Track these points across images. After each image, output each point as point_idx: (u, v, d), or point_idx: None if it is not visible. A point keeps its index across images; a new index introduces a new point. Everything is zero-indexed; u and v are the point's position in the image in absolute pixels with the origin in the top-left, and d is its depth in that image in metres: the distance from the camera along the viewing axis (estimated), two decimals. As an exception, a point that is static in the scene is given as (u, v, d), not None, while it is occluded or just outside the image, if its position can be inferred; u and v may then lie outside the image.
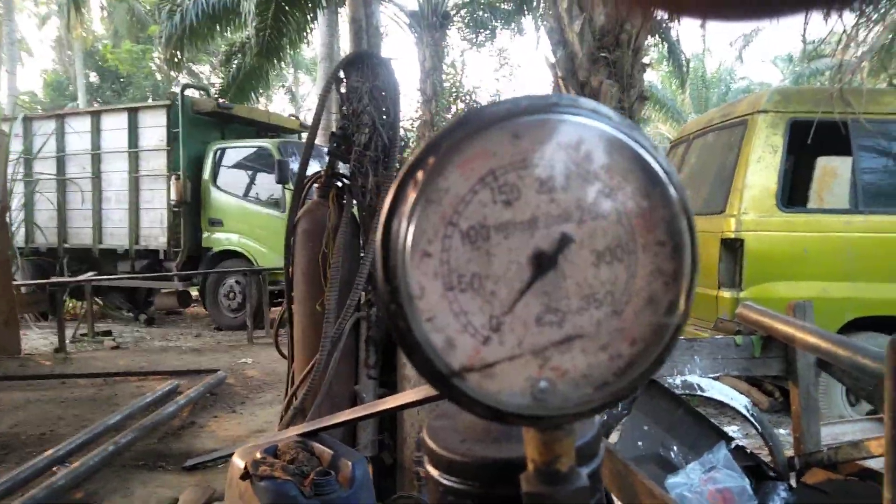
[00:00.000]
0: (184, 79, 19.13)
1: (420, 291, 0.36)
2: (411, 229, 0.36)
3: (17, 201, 9.60)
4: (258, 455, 1.88)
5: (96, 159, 9.43)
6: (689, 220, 0.37)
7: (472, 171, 0.36)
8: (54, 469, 3.25)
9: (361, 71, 2.95)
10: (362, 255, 2.90)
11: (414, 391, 1.97)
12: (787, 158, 4.47)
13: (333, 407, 2.73)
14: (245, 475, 1.82)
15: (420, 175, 0.36)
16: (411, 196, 0.36)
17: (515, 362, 0.38)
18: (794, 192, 5.47)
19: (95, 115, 9.59)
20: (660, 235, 0.38)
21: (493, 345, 0.38)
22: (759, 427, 2.52)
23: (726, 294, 4.33)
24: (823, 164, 5.51)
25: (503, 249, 0.37)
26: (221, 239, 8.96)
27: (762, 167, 4.34)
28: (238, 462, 1.87)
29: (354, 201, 2.95)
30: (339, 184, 2.99)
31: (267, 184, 8.82)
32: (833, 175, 5.52)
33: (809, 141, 4.35)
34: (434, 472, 0.49)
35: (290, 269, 3.05)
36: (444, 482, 0.48)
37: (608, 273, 0.38)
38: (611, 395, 0.38)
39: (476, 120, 0.36)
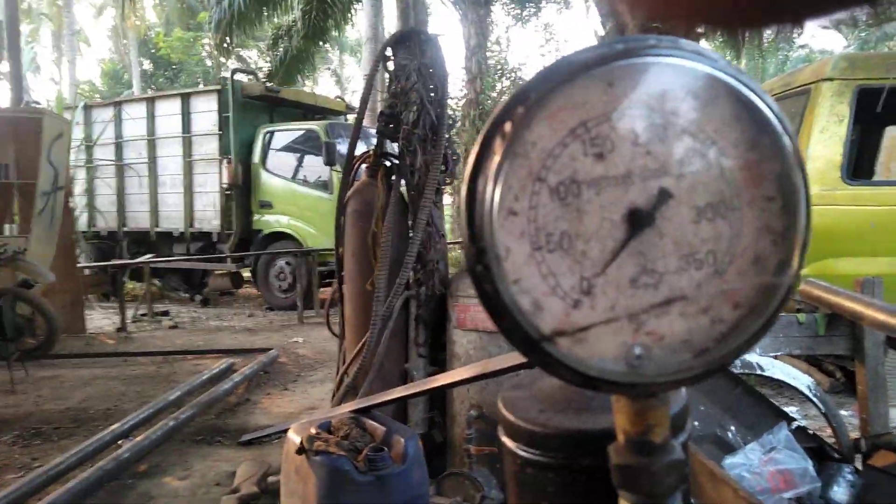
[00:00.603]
0: (233, 64, 19.47)
1: (506, 252, 0.34)
2: (498, 186, 0.33)
3: (79, 187, 10.00)
4: (313, 431, 1.91)
5: (152, 144, 9.70)
6: (803, 173, 0.34)
7: (562, 123, 0.34)
8: (120, 442, 3.39)
9: (409, 48, 2.92)
10: (411, 234, 2.90)
11: (464, 369, 1.96)
12: (854, 128, 4.25)
13: (384, 384, 2.76)
14: (301, 450, 1.86)
15: (508, 128, 0.33)
16: (498, 151, 0.33)
17: (609, 326, 0.36)
18: (860, 163, 5.20)
19: (150, 102, 9.86)
20: (768, 190, 0.35)
21: (583, 308, 0.35)
22: (822, 407, 2.43)
23: (786, 271, 4.17)
24: (892, 133, 5.22)
25: (595, 206, 0.35)
26: (271, 221, 9.13)
27: (826, 138, 4.13)
28: (294, 437, 1.91)
29: (403, 180, 2.95)
30: (388, 163, 2.99)
31: (315, 166, 8.93)
32: (902, 146, 5.22)
33: (878, 110, 4.12)
34: (511, 443, 0.47)
35: (340, 249, 3.08)
36: (523, 454, 0.46)
37: (710, 231, 0.35)
38: (711, 362, 0.35)
39: (566, 67, 0.33)
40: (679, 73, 0.33)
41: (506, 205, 0.34)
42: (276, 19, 12.31)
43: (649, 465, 0.37)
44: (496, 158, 0.33)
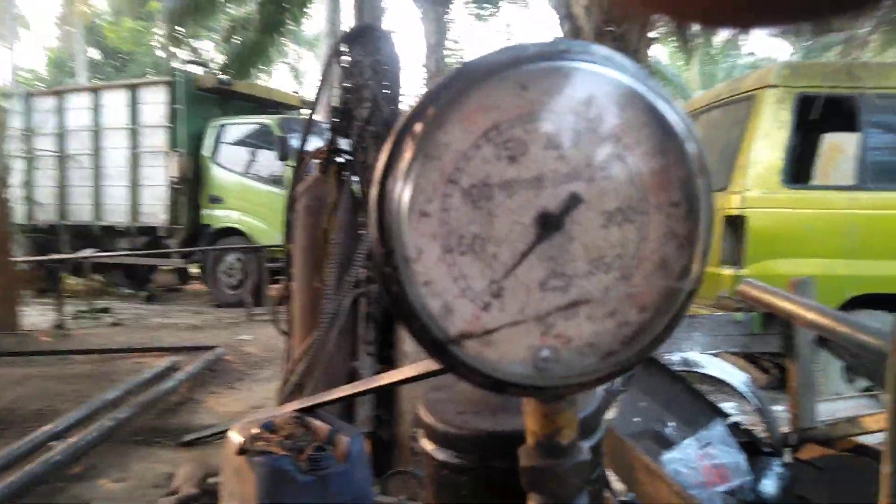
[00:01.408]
0: (185, 55, 18.94)
1: (416, 254, 0.34)
2: (408, 187, 0.33)
3: (17, 178, 9.57)
4: (255, 430, 1.88)
5: (96, 136, 9.38)
6: (706, 180, 0.35)
7: (475, 125, 0.34)
8: (51, 444, 3.26)
9: (363, 44, 2.90)
10: (362, 231, 2.88)
11: (412, 367, 1.96)
12: (795, 135, 4.42)
13: (331, 383, 2.73)
14: (241, 450, 1.82)
15: (418, 128, 0.33)
16: (409, 151, 0.33)
17: (517, 329, 0.36)
18: (799, 168, 5.42)
19: (96, 92, 9.54)
20: (674, 196, 0.35)
21: (493, 311, 0.35)
22: (755, 403, 2.52)
23: (727, 271, 4.31)
24: (829, 140, 5.46)
25: (506, 209, 0.35)
26: (221, 216, 8.93)
27: (768, 143, 4.29)
28: (234, 437, 1.87)
29: (355, 177, 2.92)
30: (340, 160, 2.95)
31: (268, 161, 8.77)
32: (839, 151, 5.47)
33: (817, 117, 4.30)
34: (429, 445, 0.47)
35: (290, 246, 3.04)
36: (439, 456, 0.46)
37: (618, 235, 0.36)
38: (617, 364, 0.36)
39: (479, 68, 0.33)
40: (590, 78, 0.34)
41: (417, 206, 0.34)
42: (231, 10, 12.04)
43: (555, 467, 0.38)
44: (406, 158, 0.33)
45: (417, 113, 0.34)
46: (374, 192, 0.34)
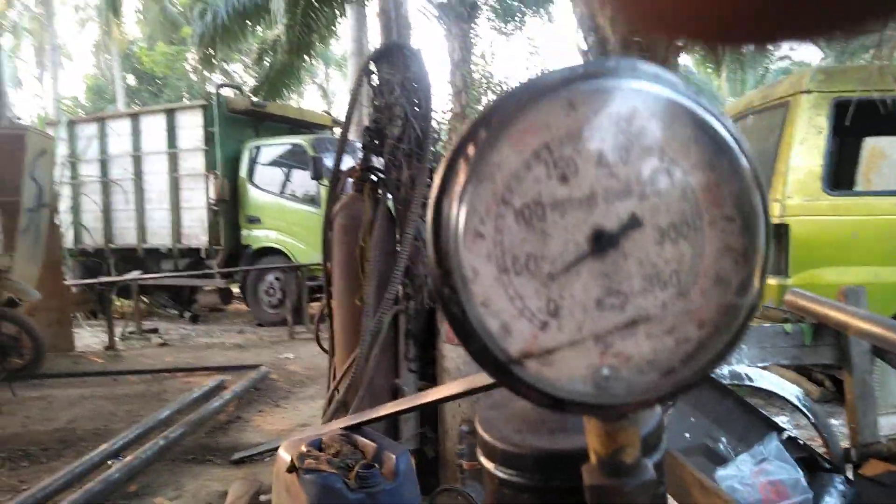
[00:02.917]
0: (217, 78, 19.46)
1: (473, 274, 0.35)
2: (463, 209, 0.34)
3: (64, 203, 9.93)
4: (303, 448, 1.91)
5: (137, 160, 9.66)
6: (761, 193, 0.35)
7: (526, 145, 0.34)
8: (109, 462, 3.35)
9: (392, 63, 2.94)
10: (398, 248, 2.90)
11: (455, 383, 1.96)
12: (832, 140, 4.31)
13: (375, 400, 2.75)
14: (291, 468, 1.85)
15: (471, 150, 0.34)
16: (462, 173, 0.34)
17: (576, 348, 0.36)
18: (840, 174, 5.28)
19: (134, 117, 9.83)
20: (728, 210, 0.35)
21: (551, 330, 0.36)
22: (811, 417, 2.44)
23: (772, 281, 4.20)
24: (871, 144, 5.30)
25: (560, 228, 0.35)
26: (260, 236, 9.10)
27: (806, 149, 4.19)
28: (284, 455, 1.90)
29: (389, 195, 2.95)
30: (374, 178, 2.99)
31: (302, 180, 8.92)
32: (881, 156, 5.31)
33: (855, 121, 4.19)
34: (489, 464, 0.48)
35: (329, 265, 3.08)
36: (500, 475, 0.46)
37: (673, 251, 0.36)
38: (679, 382, 0.36)
39: (529, 90, 0.34)
40: (639, 96, 0.34)
41: (472, 227, 0.35)
42: (260, 33, 12.35)
43: (621, 486, 0.38)
44: (461, 181, 0.34)
45: (470, 136, 0.34)
46: (429, 215, 0.35)
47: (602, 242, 0.36)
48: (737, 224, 0.35)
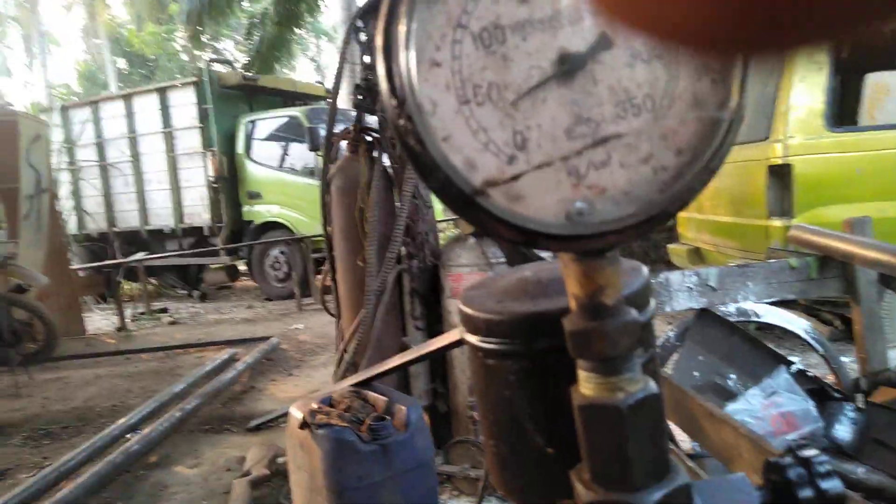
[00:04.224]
0: (208, 56, 19.19)
1: (431, 106, 0.32)
2: (414, 30, 0.31)
3: (64, 189, 9.91)
4: (314, 405, 1.93)
5: (133, 142, 9.59)
6: None
7: None
8: (128, 436, 3.41)
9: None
10: (397, 207, 2.89)
11: (460, 330, 1.98)
12: (834, 76, 4.24)
13: (384, 359, 2.75)
14: (303, 425, 1.87)
15: None
16: None
17: (546, 178, 0.34)
18: (842, 111, 5.20)
19: (127, 99, 9.72)
20: None
21: (518, 163, 0.34)
22: (820, 349, 2.45)
23: (777, 223, 4.19)
24: (873, 79, 5.21)
25: (522, 53, 0.33)
26: (262, 211, 9.09)
27: (806, 87, 4.13)
28: (296, 413, 1.92)
29: (385, 154, 2.93)
30: (368, 138, 2.96)
31: (300, 153, 8.86)
32: (885, 91, 5.22)
33: (857, 56, 4.11)
34: (472, 337, 0.47)
35: (329, 228, 3.07)
36: (483, 346, 0.45)
37: (646, 74, 0.34)
38: (656, 212, 0.34)
39: None
40: None
41: (426, 55, 0.32)
42: (248, 7, 12.14)
43: (602, 328, 0.36)
44: (407, 1, 0.32)
45: None
46: (378, 41, 0.33)
47: (569, 66, 0.33)
48: None
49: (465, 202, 0.34)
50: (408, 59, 0.32)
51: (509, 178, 0.34)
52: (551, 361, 0.42)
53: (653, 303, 0.44)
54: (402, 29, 0.32)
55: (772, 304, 2.52)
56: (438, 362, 3.00)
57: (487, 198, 0.33)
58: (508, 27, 0.33)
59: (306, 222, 8.64)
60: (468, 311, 0.46)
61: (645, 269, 0.46)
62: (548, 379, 0.43)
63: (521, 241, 0.35)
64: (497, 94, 0.33)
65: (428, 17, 0.32)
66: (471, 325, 0.46)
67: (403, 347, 3.01)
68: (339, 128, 3.05)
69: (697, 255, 5.37)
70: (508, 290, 0.48)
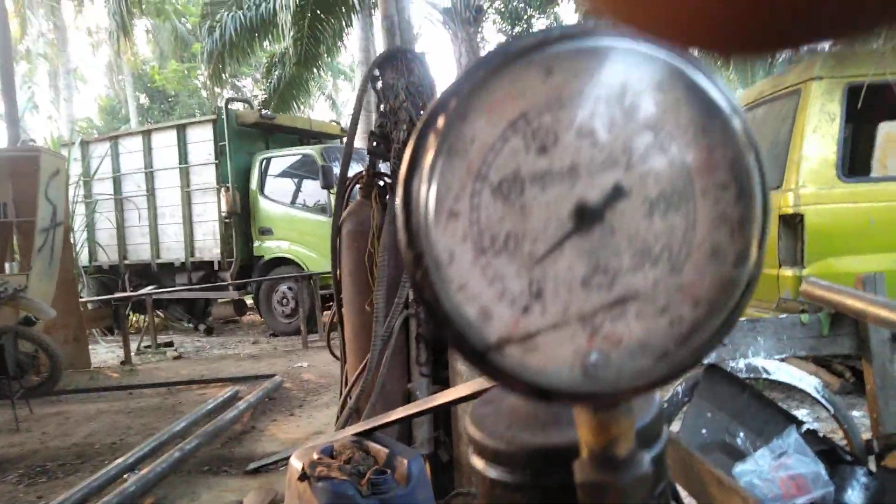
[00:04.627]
0: (228, 94, 19.63)
1: (448, 257, 0.32)
2: (434, 186, 0.32)
3: (79, 222, 10.04)
4: (315, 456, 1.89)
5: (150, 177, 9.74)
6: (757, 157, 0.32)
7: (501, 115, 0.32)
8: (125, 476, 3.36)
9: (396, 67, 2.93)
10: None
11: (466, 385, 1.94)
12: (846, 126, 4.24)
13: (387, 406, 2.73)
14: (303, 476, 1.83)
15: (441, 122, 0.31)
16: (432, 148, 0.31)
17: (561, 331, 0.33)
18: (855, 161, 5.20)
19: (146, 135, 9.91)
20: (721, 177, 0.33)
21: (534, 314, 0.33)
22: (831, 408, 2.38)
23: (788, 272, 4.14)
24: (886, 129, 5.21)
25: (541, 204, 0.33)
26: (272, 247, 9.14)
27: (819, 137, 4.13)
28: (296, 464, 1.88)
29: (397, 199, 2.94)
30: (381, 183, 2.98)
31: (313, 190, 8.96)
32: (897, 141, 5.22)
33: (869, 106, 4.12)
34: (479, 463, 0.45)
35: (338, 271, 3.07)
36: (491, 474, 0.44)
37: (663, 224, 0.34)
38: (673, 365, 0.33)
39: (501, 55, 0.31)
40: (621, 55, 0.31)
41: (445, 206, 0.32)
42: (268, 46, 12.44)
43: (615, 482, 0.35)
44: (430, 156, 0.32)
45: (439, 107, 0.32)
46: (398, 194, 0.33)
47: (586, 217, 0.33)
48: (731, 192, 0.33)
49: (479, 357, 0.33)
50: (426, 213, 0.32)
51: (523, 337, 0.33)
52: (561, 496, 0.41)
53: (665, 431, 0.42)
54: (423, 182, 0.32)
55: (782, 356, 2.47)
56: (442, 410, 2.95)
57: (501, 354, 0.33)
58: (527, 178, 0.33)
59: (315, 259, 8.67)
60: (476, 434, 0.45)
61: (657, 397, 0.44)
62: None
63: (535, 396, 0.34)
64: (514, 244, 0.34)
65: (448, 170, 0.32)
66: (477, 448, 0.45)
67: (408, 394, 2.96)
68: (353, 168, 3.08)
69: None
70: (519, 413, 0.47)
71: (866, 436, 2.33)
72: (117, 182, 10.03)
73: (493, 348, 0.33)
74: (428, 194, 0.32)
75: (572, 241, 0.34)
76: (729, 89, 0.32)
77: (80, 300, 7.93)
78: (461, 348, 0.33)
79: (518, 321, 0.33)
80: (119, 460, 3.53)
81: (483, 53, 0.32)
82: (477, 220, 0.33)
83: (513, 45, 0.31)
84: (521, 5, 15.48)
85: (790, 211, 4.14)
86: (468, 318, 0.33)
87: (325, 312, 8.36)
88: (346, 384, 2.99)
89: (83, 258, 10.12)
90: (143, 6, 14.06)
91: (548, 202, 0.33)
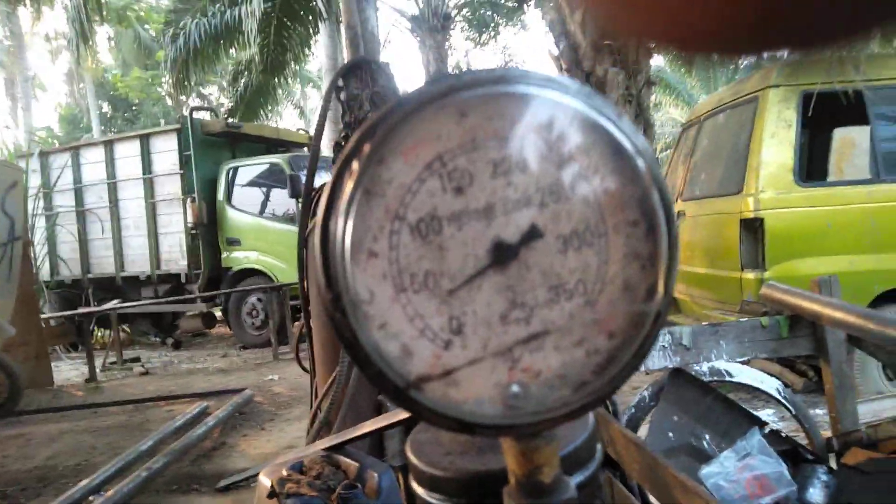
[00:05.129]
0: (193, 102, 19.35)
1: (369, 296, 0.33)
2: (349, 226, 0.32)
3: (39, 235, 9.77)
4: (284, 472, 1.87)
5: (112, 188, 9.55)
6: (662, 195, 0.33)
7: (418, 158, 0.33)
8: (91, 499, 3.27)
9: (360, 78, 2.93)
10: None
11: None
12: (803, 132, 4.37)
13: (358, 418, 2.71)
14: (272, 494, 1.81)
15: (356, 165, 0.32)
16: (348, 189, 0.32)
17: (482, 365, 0.34)
18: (812, 166, 5.34)
19: (108, 145, 9.71)
20: (631, 215, 0.34)
21: (454, 349, 0.34)
22: (792, 409, 2.44)
23: (750, 275, 4.24)
24: (840, 135, 5.38)
25: (458, 242, 0.34)
26: (240, 258, 9.02)
27: (777, 143, 4.25)
28: (265, 481, 1.86)
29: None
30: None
31: (281, 200, 8.88)
32: (851, 146, 5.38)
33: (825, 113, 4.25)
34: (419, 489, 0.46)
35: (305, 283, 3.04)
36: (428, 499, 0.45)
37: (577, 260, 0.35)
38: (591, 395, 0.35)
39: (414, 99, 0.32)
40: (530, 102, 0.33)
41: (364, 246, 0.33)
42: (234, 54, 12.31)
43: None
44: (345, 197, 0.32)
45: (354, 149, 0.33)
46: (316, 234, 0.33)
47: (502, 255, 0.34)
48: (641, 228, 0.34)
49: (400, 395, 0.34)
50: (343, 254, 0.32)
51: (443, 373, 0.34)
52: None
53: (599, 451, 0.43)
54: (339, 223, 0.33)
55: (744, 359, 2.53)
56: (414, 421, 2.95)
57: (421, 391, 0.34)
58: (445, 218, 0.34)
59: (285, 269, 8.58)
60: (414, 461, 0.46)
61: (590, 421, 0.45)
62: None
63: (458, 430, 0.35)
64: (433, 281, 0.34)
65: (367, 211, 0.33)
66: (417, 475, 0.46)
67: (379, 406, 2.95)
68: (320, 178, 3.06)
69: (674, 306, 5.40)
70: (457, 439, 0.48)
71: (827, 434, 2.39)
72: (79, 194, 9.80)
73: (413, 385, 0.34)
74: (345, 235, 0.32)
75: (490, 278, 0.35)
76: (634, 131, 0.33)
77: (42, 316, 7.72)
78: (382, 386, 0.34)
79: (440, 357, 0.34)
80: (84, 482, 3.44)
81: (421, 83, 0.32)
82: (396, 259, 0.34)
83: (426, 90, 0.32)
84: (489, 13, 15.61)
85: (750, 215, 4.24)
86: (388, 356, 0.33)
87: (295, 324, 8.27)
88: (316, 397, 2.97)
89: (44, 273, 9.85)
90: (105, 13, 13.79)
91: (465, 241, 0.34)
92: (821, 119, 4.59)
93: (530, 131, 0.33)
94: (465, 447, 0.46)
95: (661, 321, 0.35)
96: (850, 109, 4.37)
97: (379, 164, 0.33)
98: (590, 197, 0.34)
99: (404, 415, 2.06)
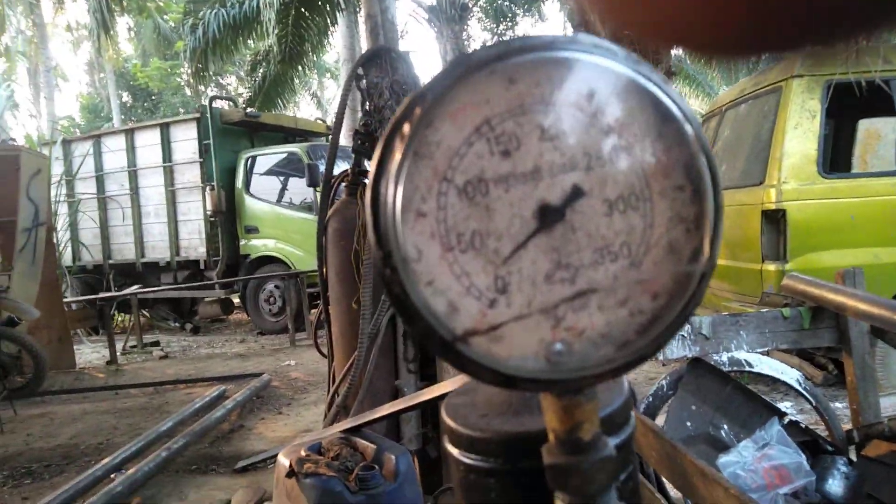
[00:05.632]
0: (211, 91, 19.46)
1: (417, 254, 0.34)
2: (400, 187, 0.33)
3: (62, 221, 9.93)
4: (303, 453, 1.90)
5: (133, 176, 9.66)
6: (708, 159, 0.34)
7: (466, 121, 0.34)
8: (112, 476, 3.34)
9: (380, 66, 2.94)
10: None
11: (453, 381, 1.95)
12: (827, 123, 4.30)
13: (375, 402, 2.74)
14: (291, 473, 1.84)
15: (406, 128, 0.33)
16: (398, 152, 0.33)
17: (525, 323, 0.35)
18: (836, 157, 5.27)
19: (129, 133, 9.82)
20: (677, 179, 0.35)
21: (499, 307, 0.35)
22: (812, 400, 2.43)
23: (771, 267, 4.20)
24: (866, 126, 5.29)
25: (504, 204, 0.35)
26: (258, 245, 9.10)
27: (800, 134, 4.18)
28: (283, 461, 1.89)
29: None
30: (366, 181, 2.99)
31: (299, 188, 8.92)
32: (877, 137, 5.30)
33: (849, 103, 4.17)
34: (454, 450, 0.47)
35: (324, 270, 3.07)
36: (465, 460, 0.46)
37: (622, 223, 0.35)
38: (633, 354, 0.35)
39: (465, 65, 0.33)
40: (579, 66, 0.33)
41: (413, 206, 0.34)
42: (252, 44, 12.36)
43: (578, 464, 0.37)
44: (396, 159, 0.33)
45: (404, 113, 0.34)
46: (367, 195, 0.35)
47: (548, 216, 0.35)
48: (687, 192, 0.35)
49: (447, 348, 0.35)
50: (394, 214, 0.34)
51: (489, 328, 0.35)
52: (533, 481, 0.43)
53: (633, 418, 0.44)
54: (390, 185, 0.34)
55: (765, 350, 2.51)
56: (430, 406, 2.96)
57: (468, 344, 0.35)
58: (492, 180, 0.35)
59: (302, 256, 8.65)
60: (450, 423, 0.47)
61: (626, 384, 0.46)
62: (529, 498, 0.44)
63: (501, 384, 0.36)
64: (480, 241, 0.35)
65: (416, 172, 0.34)
66: (452, 437, 0.47)
67: (396, 391, 2.98)
68: (338, 166, 3.08)
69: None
70: (492, 402, 0.49)
71: (847, 426, 2.37)
72: (100, 181, 9.93)
73: (459, 339, 0.35)
74: (395, 195, 0.33)
75: (536, 239, 0.36)
76: (681, 97, 0.34)
77: (65, 300, 7.86)
78: (430, 340, 0.35)
79: (484, 314, 0.35)
80: (105, 460, 3.51)
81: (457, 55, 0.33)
82: (444, 219, 0.35)
83: (475, 55, 0.33)
84: (507, 3, 15.51)
85: (773, 206, 4.19)
86: (436, 312, 0.34)
87: (312, 310, 8.34)
88: (334, 382, 3.00)
89: (67, 258, 10.01)
90: (125, 4, 13.89)
91: (511, 202, 0.35)
92: (845, 110, 4.52)
93: (578, 96, 0.34)
94: (501, 409, 0.47)
95: (705, 282, 0.35)
96: (876, 100, 4.29)
97: (427, 127, 0.33)
98: (636, 161, 0.35)
99: (421, 399, 2.07)
